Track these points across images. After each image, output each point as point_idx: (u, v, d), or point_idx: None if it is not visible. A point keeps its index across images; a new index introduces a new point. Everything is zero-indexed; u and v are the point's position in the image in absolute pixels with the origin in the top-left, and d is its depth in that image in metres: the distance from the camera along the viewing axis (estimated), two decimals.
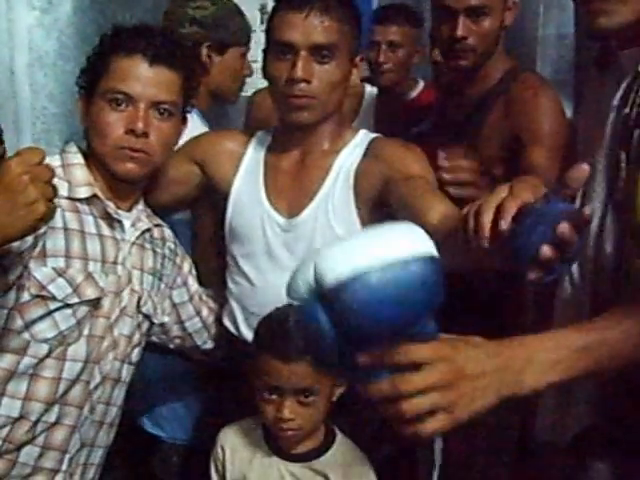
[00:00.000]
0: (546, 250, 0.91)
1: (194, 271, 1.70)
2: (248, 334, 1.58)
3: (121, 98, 1.42)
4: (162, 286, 1.61)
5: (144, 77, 1.42)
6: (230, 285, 1.66)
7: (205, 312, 1.71)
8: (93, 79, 1.45)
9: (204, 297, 1.72)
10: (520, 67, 1.87)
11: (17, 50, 2.73)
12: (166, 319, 1.64)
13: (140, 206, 1.56)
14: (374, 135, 1.62)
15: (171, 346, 1.71)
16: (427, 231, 1.32)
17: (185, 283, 1.67)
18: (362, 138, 1.61)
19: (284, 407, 1.41)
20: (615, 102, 1.35)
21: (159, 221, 1.62)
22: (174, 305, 1.66)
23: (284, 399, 1.41)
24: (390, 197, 1.47)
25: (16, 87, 2.79)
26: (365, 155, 1.56)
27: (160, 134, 1.44)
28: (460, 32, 1.72)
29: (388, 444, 1.57)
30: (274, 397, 1.42)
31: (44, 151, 1.14)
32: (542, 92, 1.74)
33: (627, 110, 1.32)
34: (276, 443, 1.49)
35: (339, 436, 1.52)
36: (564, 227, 0.89)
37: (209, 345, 1.74)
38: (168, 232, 1.65)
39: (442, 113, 1.93)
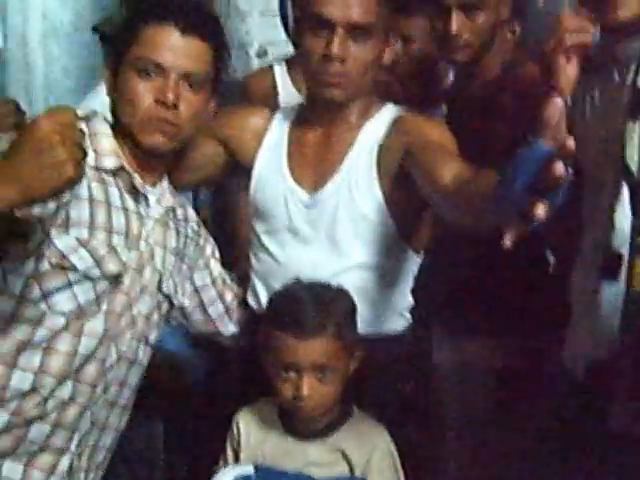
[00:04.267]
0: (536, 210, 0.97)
1: (217, 254, 1.75)
2: None
3: (151, 68, 1.45)
4: (184, 267, 1.65)
5: (176, 47, 1.46)
6: (253, 262, 1.73)
7: (229, 297, 1.75)
8: (121, 47, 1.49)
9: (228, 281, 1.76)
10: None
11: (31, 19, 2.75)
12: (187, 302, 1.68)
13: (165, 183, 1.60)
14: (400, 109, 1.68)
15: (192, 330, 1.77)
16: (440, 191, 1.40)
17: (207, 266, 1.72)
18: (388, 112, 1.67)
19: (302, 385, 1.46)
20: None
21: (183, 200, 1.67)
22: (196, 289, 1.70)
23: (302, 377, 1.47)
24: (410, 167, 1.54)
25: (29, 58, 2.80)
26: (389, 129, 1.62)
27: (190, 106, 1.48)
28: (454, 28, 1.75)
29: (409, 425, 1.65)
30: (291, 375, 1.48)
31: (75, 111, 1.16)
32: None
33: None
34: (291, 422, 1.55)
35: (355, 410, 1.57)
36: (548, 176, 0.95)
37: (232, 330, 1.78)
38: (191, 212, 1.69)
39: (455, 96, 1.98)
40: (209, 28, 1.51)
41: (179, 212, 1.64)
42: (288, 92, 2.33)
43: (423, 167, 1.48)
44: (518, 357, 1.85)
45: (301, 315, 1.47)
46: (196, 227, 1.70)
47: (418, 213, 1.64)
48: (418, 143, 1.53)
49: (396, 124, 1.63)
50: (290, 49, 2.24)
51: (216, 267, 1.74)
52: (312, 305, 1.48)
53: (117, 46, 1.51)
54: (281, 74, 2.39)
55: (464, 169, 1.40)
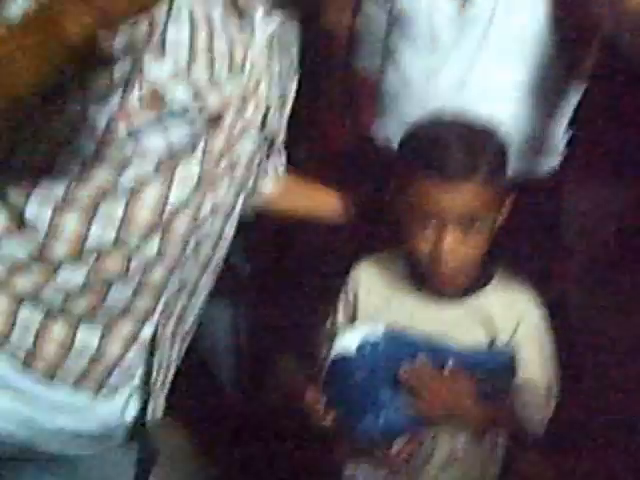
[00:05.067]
0: None
1: None
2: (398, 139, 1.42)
3: None
4: (283, 101, 1.41)
5: None
6: (382, 82, 1.55)
7: None
8: None
9: None
10: None
11: None
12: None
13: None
14: None
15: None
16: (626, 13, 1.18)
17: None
18: None
19: (445, 238, 1.25)
20: None
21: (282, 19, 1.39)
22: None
23: (445, 228, 1.25)
24: None
25: None
26: None
27: None
28: None
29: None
30: (432, 226, 1.26)
31: None
32: None
33: None
34: (424, 279, 1.35)
35: (499, 270, 1.37)
36: None
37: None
38: (292, 36, 1.42)
39: None
40: None
41: (282, 35, 1.37)
42: None
43: None
44: None
45: (447, 155, 1.23)
46: (294, 52, 1.43)
47: (585, 38, 1.42)
48: None
49: None
50: None
51: None
52: (460, 143, 1.24)
53: None
54: None
55: None
